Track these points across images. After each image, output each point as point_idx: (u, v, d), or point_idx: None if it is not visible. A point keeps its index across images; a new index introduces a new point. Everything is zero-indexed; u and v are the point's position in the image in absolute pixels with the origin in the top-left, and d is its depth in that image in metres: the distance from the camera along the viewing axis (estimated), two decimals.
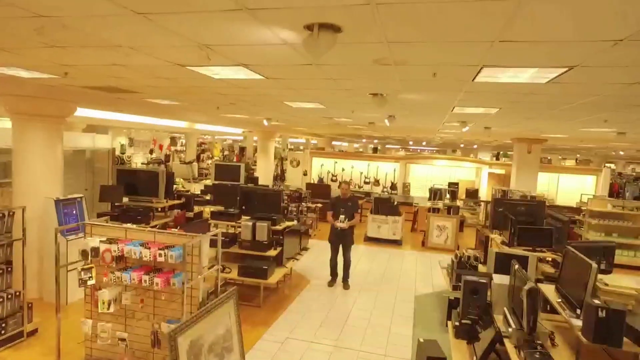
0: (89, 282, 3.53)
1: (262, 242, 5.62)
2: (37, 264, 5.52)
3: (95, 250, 3.51)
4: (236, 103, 6.16)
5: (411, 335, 5.17)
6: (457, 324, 3.94)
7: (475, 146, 19.43)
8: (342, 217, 6.34)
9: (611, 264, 4.14)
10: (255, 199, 6.26)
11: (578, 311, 2.92)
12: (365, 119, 7.80)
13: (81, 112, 10.82)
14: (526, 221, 5.66)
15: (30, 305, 4.50)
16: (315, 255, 8.18)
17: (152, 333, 3.42)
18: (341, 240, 6.56)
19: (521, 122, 7.17)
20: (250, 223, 5.72)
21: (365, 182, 15.42)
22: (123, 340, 3.48)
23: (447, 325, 4.36)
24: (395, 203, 10.69)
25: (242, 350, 3.93)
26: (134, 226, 3.60)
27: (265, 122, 9.42)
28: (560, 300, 3.23)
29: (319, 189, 12.51)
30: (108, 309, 3.49)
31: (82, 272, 3.49)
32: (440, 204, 10.04)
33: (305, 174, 15.76)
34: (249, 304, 5.53)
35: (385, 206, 10.30)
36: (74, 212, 5.66)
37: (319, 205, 11.09)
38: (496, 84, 3.53)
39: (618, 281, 4.05)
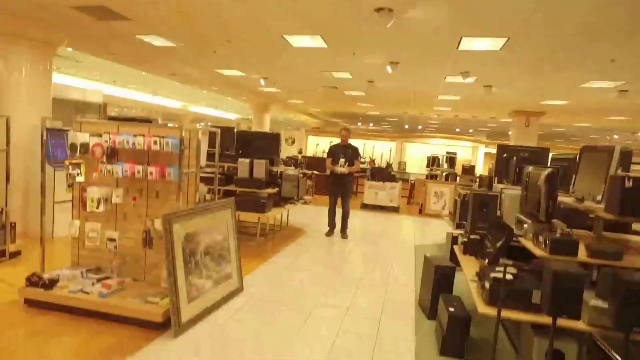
0: (78, 179, 3.30)
1: (260, 179, 5.41)
2: (22, 199, 5.26)
3: (85, 146, 3.28)
4: (232, 41, 5.94)
5: (413, 268, 5.00)
6: (465, 240, 3.78)
7: (470, 130, 19.39)
8: (342, 160, 6.15)
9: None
10: (252, 142, 6.05)
11: (599, 197, 2.77)
12: (366, 72, 7.62)
13: (72, 82, 10.55)
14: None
15: (13, 224, 4.25)
16: (311, 217, 8.02)
17: (144, 232, 3.20)
18: (340, 188, 6.36)
19: (522, 76, 7.05)
20: (247, 160, 5.51)
21: (361, 162, 15.26)
22: (112, 240, 3.25)
23: (452, 251, 4.18)
24: (392, 172, 10.55)
25: (239, 264, 3.73)
26: (127, 122, 3.36)
27: (262, 82, 9.20)
28: (578, 198, 3.07)
29: (315, 161, 12.32)
30: (97, 207, 3.26)
31: (71, 167, 3.25)
32: (438, 171, 9.91)
33: (300, 153, 15.57)
34: (245, 242, 5.32)
35: (382, 174, 10.16)
36: (61, 143, 5.39)
37: (315, 172, 10.90)
38: None
39: None
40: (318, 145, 16.57)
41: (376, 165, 14.25)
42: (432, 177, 9.85)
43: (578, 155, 3.45)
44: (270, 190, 5.52)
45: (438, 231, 7.43)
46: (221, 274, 3.46)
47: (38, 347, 2.61)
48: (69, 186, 5.62)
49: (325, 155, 15.38)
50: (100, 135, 3.24)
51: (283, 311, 3.41)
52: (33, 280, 3.09)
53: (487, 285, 2.54)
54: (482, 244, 3.66)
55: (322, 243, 6.09)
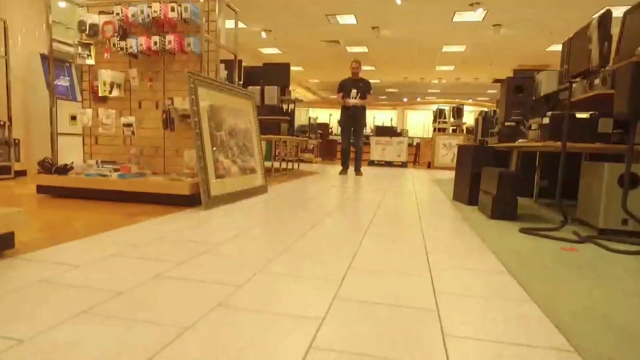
0: (88, 61, 3.05)
1: (273, 105, 5.18)
2: (23, 130, 4.99)
3: (94, 27, 3.03)
4: None
5: (438, 188, 4.80)
6: (497, 129, 3.59)
7: (470, 100, 19.24)
8: (354, 91, 5.93)
9: None
10: (260, 74, 5.81)
11: None
12: (372, 13, 7.38)
13: None
14: None
15: (17, 141, 3.99)
16: (321, 167, 7.80)
17: (164, 112, 2.96)
18: (352, 122, 6.15)
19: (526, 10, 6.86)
20: (258, 87, 5.27)
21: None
22: (129, 126, 3.01)
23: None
24: (398, 130, 10.36)
25: (262, 164, 3.52)
26: None
27: (263, 35, 8.94)
28: None
29: (318, 127, 12.11)
30: (110, 92, 3.02)
31: (80, 48, 3.00)
32: (445, 124, 9.74)
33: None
34: None
35: (388, 131, 9.96)
36: (63, 74, 5.13)
37: (320, 132, 10.69)
38: None
39: None
40: (317, 119, 16.38)
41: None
42: (439, 130, 9.66)
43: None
44: (283, 117, 5.29)
45: (452, 175, 7.26)
46: (246, 165, 3.24)
47: (62, 219, 2.38)
48: (72, 118, 5.37)
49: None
50: (111, 12, 2.99)
51: (313, 204, 3.20)
52: (46, 166, 2.85)
53: (545, 121, 2.34)
54: (518, 130, 3.47)
55: (338, 177, 5.89)
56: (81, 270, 1.30)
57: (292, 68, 14.36)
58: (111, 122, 3.04)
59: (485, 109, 5.35)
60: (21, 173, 4.01)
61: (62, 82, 5.08)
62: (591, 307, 1.14)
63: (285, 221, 2.30)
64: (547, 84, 3.47)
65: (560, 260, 1.67)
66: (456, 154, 3.70)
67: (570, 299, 1.21)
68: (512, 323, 1.00)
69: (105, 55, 3.02)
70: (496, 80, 3.73)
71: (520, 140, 2.93)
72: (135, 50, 2.93)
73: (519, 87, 3.52)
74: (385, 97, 20.32)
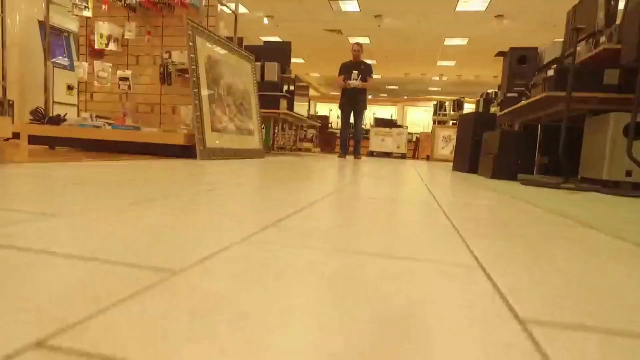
0: (85, 13, 2.99)
1: (273, 81, 5.13)
2: (18, 95, 4.91)
3: None
4: None
5: (435, 172, 4.75)
6: (499, 99, 3.54)
7: (472, 98, 19.25)
8: (355, 72, 5.88)
9: None
10: (261, 52, 5.75)
11: None
12: (375, 3, 7.34)
13: None
14: None
15: (11, 102, 3.92)
16: (321, 156, 7.74)
17: (161, 66, 2.91)
18: (353, 105, 6.10)
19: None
20: (258, 63, 5.22)
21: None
22: (125, 80, 2.95)
23: None
24: (398, 122, 10.32)
25: (260, 129, 3.46)
26: None
27: (265, 21, 8.89)
28: None
29: (318, 117, 12.07)
30: (107, 45, 2.96)
31: None
32: (445, 117, 9.70)
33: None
34: None
35: (387, 123, 9.93)
36: (60, 43, 5.07)
37: (319, 124, 10.64)
38: None
39: None
40: (317, 113, 16.33)
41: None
42: (439, 122, 9.62)
43: None
44: (283, 93, 5.24)
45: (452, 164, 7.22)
46: (243, 126, 3.18)
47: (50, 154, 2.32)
48: (68, 88, 5.30)
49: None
50: None
51: (315, 167, 3.14)
52: (38, 114, 2.78)
53: (550, 73, 2.29)
54: (520, 101, 3.42)
55: (336, 159, 5.83)
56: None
57: (293, 60, 14.31)
58: (107, 76, 2.99)
59: (488, 90, 5.30)
60: (15, 135, 3.93)
61: (60, 51, 5.02)
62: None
63: (292, 170, 2.24)
64: (551, 54, 3.44)
65: (557, 195, 1.62)
66: (458, 122, 3.65)
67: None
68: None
69: (103, 7, 2.97)
70: (499, 53, 3.70)
71: (522, 101, 2.88)
72: (134, 2, 2.88)
73: (522, 58, 3.47)
74: (385, 94, 20.30)
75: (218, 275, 0.40)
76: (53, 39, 5.09)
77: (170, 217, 0.67)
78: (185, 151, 2.56)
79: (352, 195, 1.13)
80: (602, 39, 2.47)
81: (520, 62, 3.48)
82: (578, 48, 2.80)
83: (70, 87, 5.02)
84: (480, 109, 5.01)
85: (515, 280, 0.44)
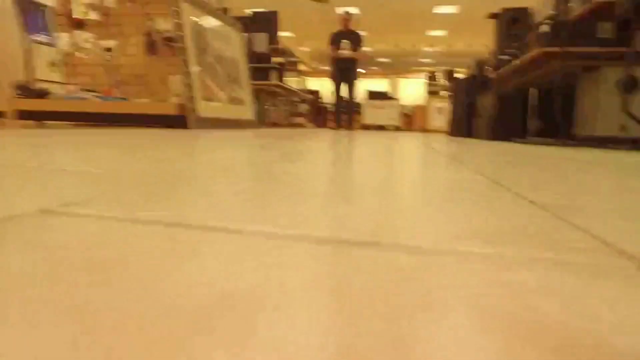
0: None
1: (261, 53, 5.02)
2: None
3: None
4: None
5: (429, 140, 4.74)
6: (495, 61, 3.50)
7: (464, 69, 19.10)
8: (345, 42, 5.77)
9: None
10: (247, 23, 5.60)
11: None
12: None
13: None
14: None
15: None
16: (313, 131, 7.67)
17: (145, 35, 2.82)
18: (344, 74, 5.99)
19: None
20: (245, 34, 5.09)
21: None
22: (109, 50, 2.86)
23: None
24: (390, 96, 10.24)
25: (251, 98, 3.40)
26: None
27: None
28: None
29: (309, 91, 11.93)
30: (87, 14, 2.86)
31: None
32: (437, 87, 9.64)
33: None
34: None
35: (381, 95, 9.85)
36: (38, 18, 4.88)
37: (310, 97, 10.53)
38: None
39: None
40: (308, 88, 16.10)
41: None
42: (432, 93, 9.56)
43: None
44: (273, 64, 5.14)
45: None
46: (234, 95, 3.13)
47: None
48: (51, 65, 5.15)
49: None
50: None
51: (310, 136, 3.11)
52: (25, 88, 2.71)
53: (544, 29, 2.26)
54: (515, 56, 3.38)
55: (329, 132, 5.78)
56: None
57: (282, 34, 14.00)
58: (90, 47, 2.90)
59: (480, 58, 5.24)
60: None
61: (38, 27, 4.85)
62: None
63: (287, 138, 2.22)
64: (543, 13, 3.38)
65: (547, 149, 1.62)
66: (452, 87, 3.62)
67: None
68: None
69: None
70: (492, 15, 3.63)
71: (514, 62, 2.85)
72: None
73: (514, 19, 3.42)
74: (377, 67, 20.05)
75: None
76: (30, 13, 4.91)
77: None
78: (177, 121, 2.52)
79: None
80: None
81: (512, 22, 3.42)
82: (571, 4, 2.76)
83: (52, 64, 4.88)
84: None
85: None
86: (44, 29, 4.96)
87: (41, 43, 4.76)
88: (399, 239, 0.27)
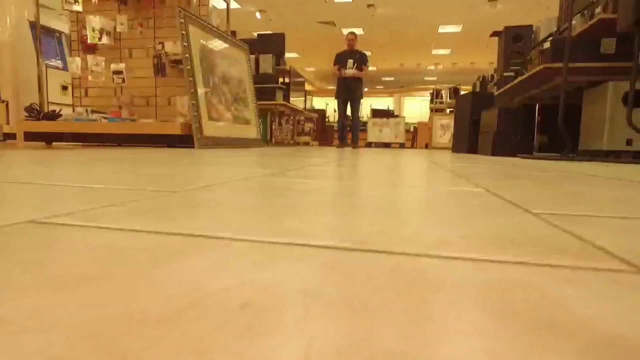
0: (75, 7, 2.96)
1: (268, 73, 5.10)
2: (13, 96, 4.89)
3: None
4: None
5: (434, 157, 4.74)
6: (496, 79, 3.52)
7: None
8: (350, 61, 5.85)
9: None
10: (255, 44, 5.71)
11: None
12: None
13: None
14: None
15: (5, 102, 3.90)
16: (319, 149, 7.71)
17: (154, 57, 2.89)
18: (349, 94, 6.06)
19: None
20: (253, 56, 5.19)
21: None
22: (119, 73, 2.93)
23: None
24: (394, 113, 10.30)
25: (257, 119, 3.44)
26: None
27: (257, 16, 8.85)
28: None
29: (314, 110, 12.04)
30: (99, 39, 2.93)
31: None
32: (442, 105, 9.68)
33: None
34: None
35: (384, 113, 9.91)
36: (53, 44, 5.03)
37: (315, 116, 10.61)
38: None
39: None
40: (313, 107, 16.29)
41: None
42: (437, 110, 9.60)
43: None
44: (278, 85, 5.21)
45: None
46: (240, 115, 3.16)
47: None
48: (63, 88, 5.28)
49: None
50: None
51: (316, 154, 3.13)
52: (33, 110, 2.77)
53: (546, 46, 2.28)
54: (520, 72, 3.40)
55: (334, 149, 5.82)
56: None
57: (288, 55, 14.25)
58: (100, 70, 2.96)
59: (473, 83, 5.30)
60: (9, 136, 3.91)
61: (53, 52, 4.98)
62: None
63: (295, 155, 2.23)
64: (546, 30, 3.42)
65: (554, 163, 1.61)
66: (455, 103, 3.64)
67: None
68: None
69: (93, 0, 2.94)
70: (494, 33, 3.66)
71: (519, 78, 2.87)
72: None
73: (517, 37, 3.45)
74: (382, 86, 20.25)
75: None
76: (45, 39, 5.06)
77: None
78: (183, 141, 2.55)
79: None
80: (598, 10, 2.46)
81: (515, 40, 3.46)
82: (573, 22, 2.78)
83: (64, 87, 4.99)
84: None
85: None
86: (58, 54, 5.11)
87: (55, 67, 4.90)
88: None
